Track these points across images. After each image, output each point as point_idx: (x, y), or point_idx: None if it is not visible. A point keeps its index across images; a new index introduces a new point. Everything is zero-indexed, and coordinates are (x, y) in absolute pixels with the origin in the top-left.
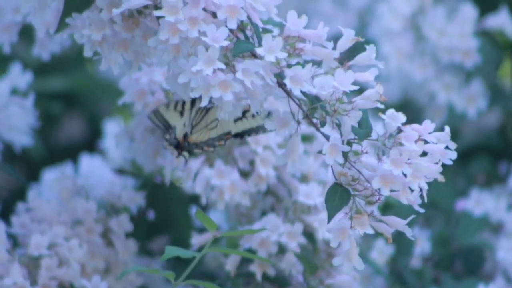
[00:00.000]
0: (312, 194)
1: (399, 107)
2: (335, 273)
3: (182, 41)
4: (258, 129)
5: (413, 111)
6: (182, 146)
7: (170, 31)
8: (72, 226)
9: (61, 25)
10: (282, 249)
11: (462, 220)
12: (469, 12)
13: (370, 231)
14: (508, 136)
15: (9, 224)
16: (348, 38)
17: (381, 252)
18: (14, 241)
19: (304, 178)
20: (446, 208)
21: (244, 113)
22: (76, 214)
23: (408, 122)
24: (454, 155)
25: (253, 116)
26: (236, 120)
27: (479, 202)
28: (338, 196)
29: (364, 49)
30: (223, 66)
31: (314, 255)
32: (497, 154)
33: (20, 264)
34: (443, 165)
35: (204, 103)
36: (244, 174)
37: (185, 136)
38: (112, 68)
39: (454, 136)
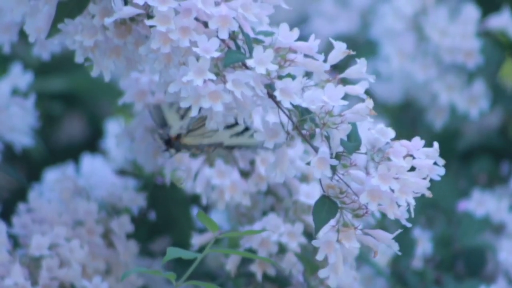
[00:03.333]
0: (312, 194)
1: (401, 108)
2: None
3: (173, 50)
4: (250, 147)
5: (415, 112)
6: (172, 143)
7: (162, 40)
8: (73, 227)
9: (53, 30)
10: (282, 249)
11: (463, 221)
12: (472, 12)
13: (357, 245)
14: (509, 136)
15: (10, 225)
16: (340, 51)
17: (383, 253)
18: (15, 242)
19: (304, 178)
20: (448, 208)
21: (243, 131)
22: (77, 215)
23: (410, 122)
24: (442, 171)
25: (252, 135)
26: (232, 135)
27: (480, 203)
28: (325, 208)
29: (363, 52)
30: (213, 77)
31: (314, 255)
32: (498, 154)
33: (21, 264)
34: (445, 165)
35: (194, 113)
36: (245, 174)
37: (178, 136)
38: (104, 74)
39: (455, 137)
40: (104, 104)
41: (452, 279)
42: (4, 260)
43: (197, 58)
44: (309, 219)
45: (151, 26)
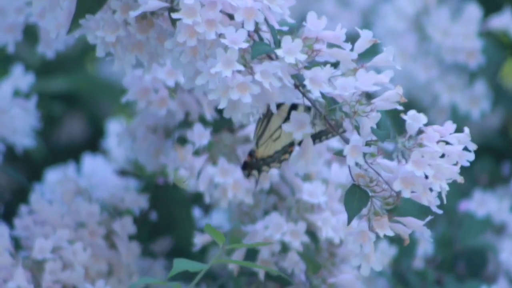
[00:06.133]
0: (316, 193)
1: (402, 108)
2: (337, 272)
3: (199, 43)
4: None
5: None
6: (250, 164)
7: (188, 33)
8: (75, 228)
9: (73, 26)
10: (285, 248)
11: (465, 221)
12: (473, 12)
13: (390, 233)
14: (510, 136)
15: (11, 226)
16: (366, 40)
17: (384, 253)
18: (17, 244)
19: (307, 177)
20: (449, 209)
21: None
22: (79, 216)
23: None
24: (472, 156)
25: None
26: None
27: (482, 203)
28: (357, 197)
29: (365, 52)
30: (242, 68)
31: (317, 254)
32: (499, 154)
33: (24, 267)
34: None
35: (222, 105)
36: None
37: (251, 153)
38: (125, 69)
39: None
40: (105, 104)
41: (453, 280)
42: (6, 263)
43: (225, 49)
44: (312, 218)
45: (176, 20)
